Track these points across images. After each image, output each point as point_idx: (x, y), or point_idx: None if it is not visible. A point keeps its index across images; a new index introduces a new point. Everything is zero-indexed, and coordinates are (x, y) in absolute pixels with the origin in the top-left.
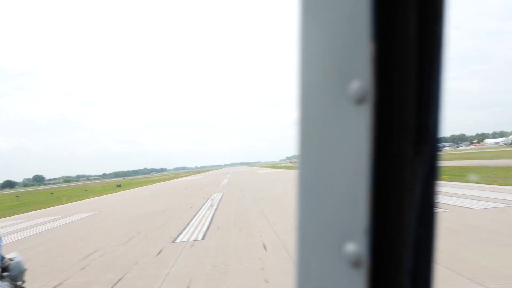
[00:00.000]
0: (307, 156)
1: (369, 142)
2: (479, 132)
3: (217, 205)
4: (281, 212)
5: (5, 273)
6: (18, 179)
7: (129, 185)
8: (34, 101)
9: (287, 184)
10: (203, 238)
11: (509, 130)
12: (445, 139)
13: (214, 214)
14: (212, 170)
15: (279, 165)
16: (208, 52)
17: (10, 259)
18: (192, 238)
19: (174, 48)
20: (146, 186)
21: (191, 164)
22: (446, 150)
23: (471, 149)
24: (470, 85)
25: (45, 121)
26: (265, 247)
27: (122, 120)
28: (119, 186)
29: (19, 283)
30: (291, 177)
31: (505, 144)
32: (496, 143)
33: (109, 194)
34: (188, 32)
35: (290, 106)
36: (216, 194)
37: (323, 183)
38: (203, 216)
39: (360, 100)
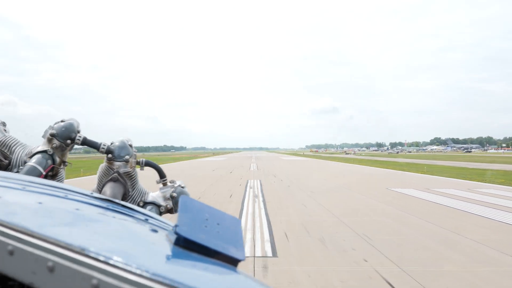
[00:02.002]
0: None
1: None
2: (507, 136)
3: (263, 196)
4: (362, 219)
5: (174, 194)
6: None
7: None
8: (61, 70)
9: (327, 175)
10: (274, 255)
11: None
12: (472, 141)
13: (266, 210)
14: (231, 153)
15: (300, 153)
16: (238, 34)
17: (180, 186)
18: (259, 255)
19: (204, 27)
20: (168, 164)
21: (210, 145)
22: (476, 152)
23: (503, 153)
24: (498, 88)
25: (70, 91)
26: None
27: (146, 96)
28: None
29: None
30: (325, 166)
31: None
32: None
33: None
34: (220, 12)
35: (313, 96)
36: (252, 180)
37: None
38: (253, 212)
39: None
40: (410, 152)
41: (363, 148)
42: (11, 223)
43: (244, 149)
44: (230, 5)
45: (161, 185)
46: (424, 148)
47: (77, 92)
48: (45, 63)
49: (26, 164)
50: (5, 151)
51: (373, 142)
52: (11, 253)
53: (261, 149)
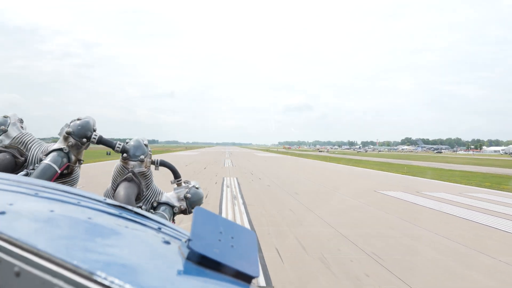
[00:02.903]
0: None
1: None
2: (475, 138)
3: (242, 198)
4: (364, 230)
5: (188, 195)
6: None
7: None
8: (31, 57)
9: (308, 174)
10: (269, 285)
11: (504, 139)
12: (442, 142)
13: (249, 216)
14: (204, 147)
15: (273, 149)
16: (214, 27)
17: (195, 187)
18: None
19: (179, 17)
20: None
21: (183, 139)
22: (446, 152)
23: (473, 154)
24: (469, 91)
25: (41, 79)
26: None
27: (120, 86)
28: (109, 154)
29: (192, 210)
30: (303, 164)
31: (505, 153)
32: (496, 151)
33: (99, 162)
34: (197, 2)
35: (287, 93)
36: (228, 178)
37: None
38: (233, 219)
39: None
40: (381, 151)
41: (335, 146)
42: (20, 241)
43: (217, 143)
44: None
45: (175, 186)
46: (395, 147)
47: (48, 80)
48: (16, 50)
49: (42, 162)
50: (22, 148)
51: (345, 140)
52: (17, 274)
53: (234, 144)
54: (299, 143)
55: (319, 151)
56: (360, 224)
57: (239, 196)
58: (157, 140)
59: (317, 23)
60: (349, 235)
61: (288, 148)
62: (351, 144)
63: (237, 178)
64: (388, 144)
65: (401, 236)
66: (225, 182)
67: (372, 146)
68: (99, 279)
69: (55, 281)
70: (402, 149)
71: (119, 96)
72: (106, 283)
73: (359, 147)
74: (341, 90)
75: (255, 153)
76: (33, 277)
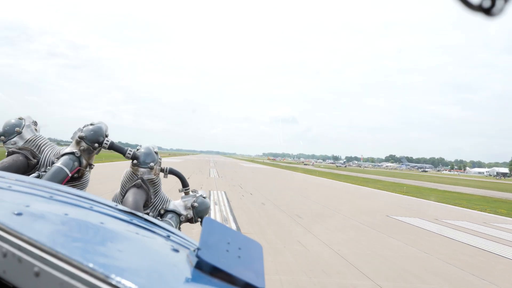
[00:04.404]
0: None
1: None
2: (458, 158)
3: (235, 222)
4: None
5: (195, 204)
6: None
7: (99, 159)
8: (16, 56)
9: (304, 191)
10: None
11: (486, 161)
12: (425, 160)
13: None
14: (188, 155)
15: (258, 160)
16: (202, 34)
17: (202, 196)
18: None
19: (166, 22)
20: (118, 162)
21: (166, 145)
22: (431, 171)
23: (458, 175)
24: (452, 112)
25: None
26: None
27: (105, 89)
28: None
29: (198, 219)
30: (293, 178)
31: (490, 175)
32: (480, 172)
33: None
34: (185, 9)
35: (273, 104)
36: (216, 192)
37: None
38: None
39: None
40: (366, 167)
41: (320, 160)
42: (39, 242)
43: (201, 151)
44: (198, 4)
45: (183, 194)
46: (380, 164)
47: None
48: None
49: (54, 165)
50: (35, 150)
51: (329, 154)
52: (37, 274)
53: (218, 153)
54: (284, 155)
55: (304, 164)
56: (404, 273)
57: (230, 218)
58: (140, 145)
59: (306, 38)
60: None
61: (272, 159)
62: (335, 158)
63: (225, 193)
64: (372, 160)
65: None
66: (212, 197)
67: (356, 162)
68: (113, 282)
69: (73, 282)
70: (386, 166)
71: (103, 99)
72: (121, 286)
73: (344, 161)
74: (327, 105)
75: (240, 163)
76: (52, 277)
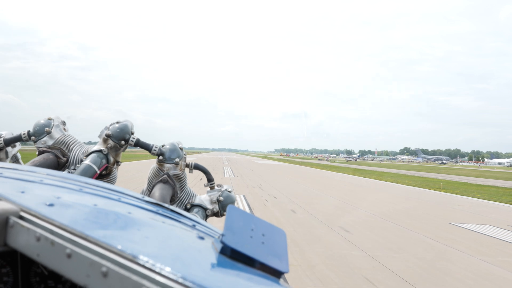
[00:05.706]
0: None
1: None
2: (474, 149)
3: None
4: None
5: (220, 198)
6: None
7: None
8: (29, 59)
9: (334, 191)
10: None
11: (503, 151)
12: (441, 152)
13: None
14: (200, 153)
15: (271, 156)
16: (211, 33)
17: (227, 190)
18: None
19: (175, 23)
20: (134, 161)
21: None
22: (449, 163)
23: (479, 166)
24: (465, 102)
25: (38, 81)
26: None
27: (116, 89)
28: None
29: (224, 213)
30: (315, 176)
31: (511, 165)
32: (500, 163)
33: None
34: (193, 8)
35: (284, 100)
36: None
37: None
38: None
39: None
40: (382, 161)
41: (333, 155)
42: (70, 227)
43: (213, 149)
44: (209, 2)
45: (208, 189)
46: (394, 157)
47: (45, 82)
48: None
49: (82, 162)
50: (64, 149)
51: (342, 148)
52: (69, 256)
53: (230, 150)
54: (296, 151)
55: (319, 159)
56: None
57: None
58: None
59: (315, 32)
60: None
61: (285, 155)
62: (349, 152)
63: (244, 197)
64: (386, 153)
65: None
66: None
67: (370, 155)
68: (141, 262)
69: (103, 262)
70: (402, 159)
71: (114, 100)
72: (148, 265)
73: (357, 155)
74: (338, 98)
75: (254, 160)
76: (83, 258)
